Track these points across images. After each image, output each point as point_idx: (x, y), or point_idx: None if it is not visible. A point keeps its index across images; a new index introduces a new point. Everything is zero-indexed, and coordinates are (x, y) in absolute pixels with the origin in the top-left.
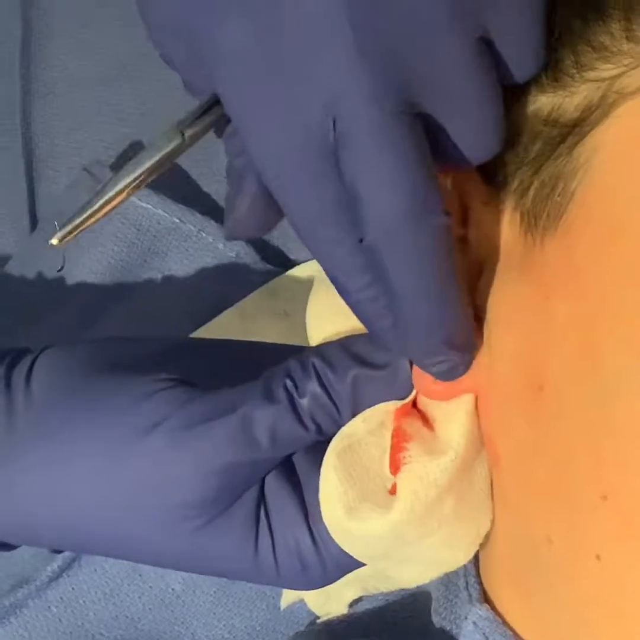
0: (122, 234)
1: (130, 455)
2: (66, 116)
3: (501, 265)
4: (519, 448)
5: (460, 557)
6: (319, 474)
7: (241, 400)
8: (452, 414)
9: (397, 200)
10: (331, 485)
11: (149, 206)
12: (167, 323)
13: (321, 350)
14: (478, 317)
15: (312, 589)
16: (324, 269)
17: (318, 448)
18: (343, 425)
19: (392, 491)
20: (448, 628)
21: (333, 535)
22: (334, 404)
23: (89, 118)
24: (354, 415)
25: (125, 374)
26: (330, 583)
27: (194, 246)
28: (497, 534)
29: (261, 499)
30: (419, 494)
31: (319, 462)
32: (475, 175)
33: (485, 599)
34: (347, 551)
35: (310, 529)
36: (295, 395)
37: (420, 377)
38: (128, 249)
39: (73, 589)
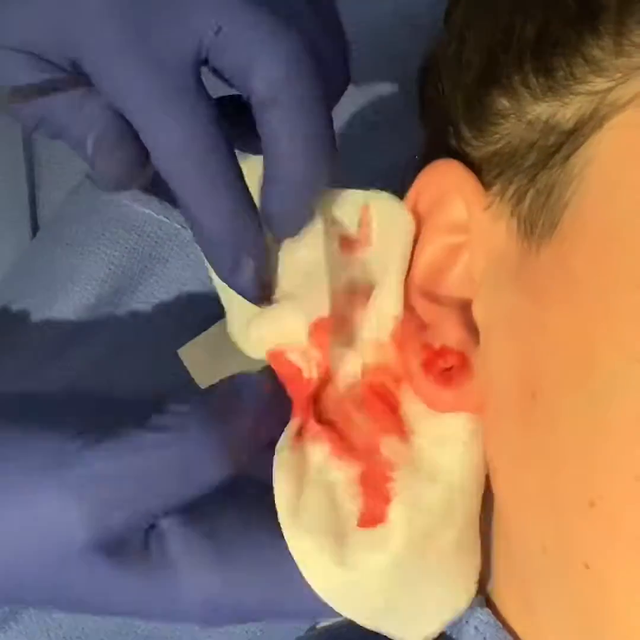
0: (123, 240)
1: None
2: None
3: (498, 273)
4: (513, 458)
5: (462, 600)
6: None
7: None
8: (447, 440)
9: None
10: (305, 551)
11: (151, 212)
12: (166, 329)
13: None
14: (475, 326)
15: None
16: None
17: None
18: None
19: (363, 523)
20: (449, 632)
21: (329, 599)
22: None
23: None
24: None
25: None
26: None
27: (194, 252)
28: (497, 543)
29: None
30: (415, 522)
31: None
32: (474, 182)
33: (487, 604)
34: (346, 613)
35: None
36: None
37: (427, 387)
38: (129, 254)
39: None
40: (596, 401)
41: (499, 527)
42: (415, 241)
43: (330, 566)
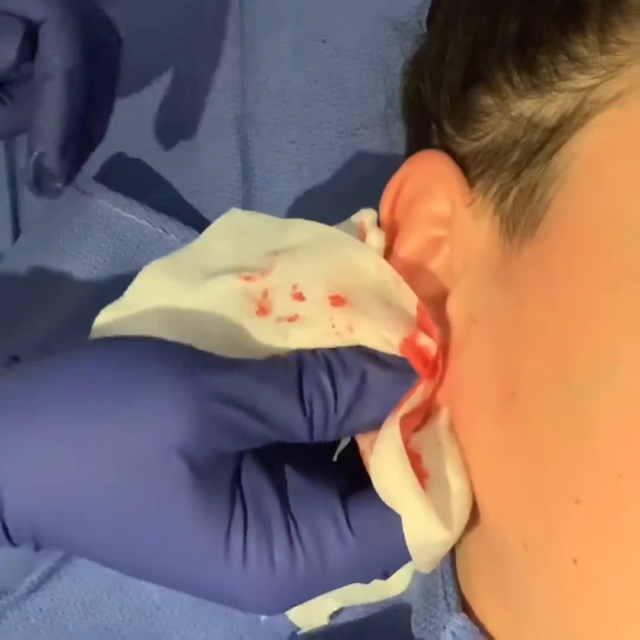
0: (105, 245)
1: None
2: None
3: (479, 270)
4: (491, 454)
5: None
6: (305, 477)
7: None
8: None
9: None
10: (416, 502)
11: (133, 217)
12: None
13: (335, 348)
14: (451, 324)
15: (277, 610)
16: None
17: (293, 453)
18: (334, 422)
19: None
20: (427, 639)
21: (415, 551)
22: (335, 395)
23: None
24: (348, 413)
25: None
26: (293, 602)
27: None
28: (473, 542)
29: (237, 488)
30: None
31: (306, 465)
32: (460, 177)
33: (465, 607)
34: (419, 565)
35: (288, 531)
36: (302, 375)
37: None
38: (111, 259)
39: (52, 600)
40: (576, 400)
41: (473, 521)
42: (394, 229)
43: (433, 522)
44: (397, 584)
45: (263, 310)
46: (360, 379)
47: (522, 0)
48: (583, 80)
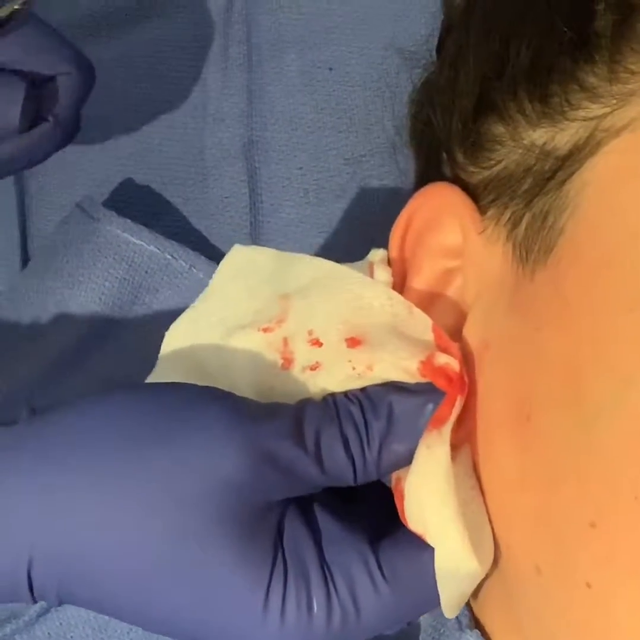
0: (113, 270)
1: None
2: (58, 154)
3: (492, 297)
4: (505, 479)
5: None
6: (338, 526)
7: (293, 408)
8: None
9: None
10: (455, 528)
11: (142, 243)
12: (156, 359)
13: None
14: (468, 352)
15: None
16: None
17: (335, 500)
18: (371, 459)
19: None
20: None
21: (443, 584)
22: (367, 431)
23: (81, 155)
24: (381, 447)
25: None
26: None
27: (184, 283)
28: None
29: (279, 542)
30: None
31: (337, 513)
32: (470, 205)
33: (482, 633)
34: (445, 602)
35: (326, 583)
36: (339, 414)
37: None
38: (119, 285)
39: (61, 624)
40: (590, 423)
41: None
42: (405, 265)
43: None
44: None
45: (288, 361)
46: (388, 411)
47: (533, 29)
48: (595, 109)
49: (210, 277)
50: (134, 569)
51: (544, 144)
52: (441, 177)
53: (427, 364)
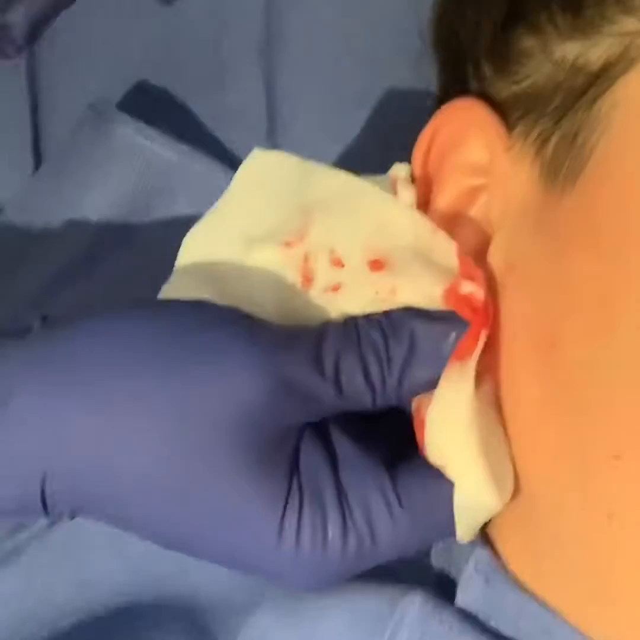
0: (127, 174)
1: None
2: (71, 57)
3: (518, 217)
4: (529, 409)
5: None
6: (354, 451)
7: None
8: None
9: None
10: (476, 462)
11: (155, 146)
12: (170, 267)
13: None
14: (491, 276)
15: (321, 587)
16: None
17: (352, 424)
18: (392, 384)
19: None
20: (447, 571)
21: (460, 515)
22: (388, 357)
23: (94, 57)
24: (402, 373)
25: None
26: (339, 579)
27: (200, 188)
28: None
29: (295, 467)
30: None
31: (353, 438)
32: (497, 122)
33: (495, 553)
34: (460, 531)
35: (341, 509)
36: (360, 337)
37: None
38: (133, 189)
39: (73, 531)
40: (619, 354)
41: None
42: (429, 182)
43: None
44: None
45: (308, 279)
46: (409, 338)
47: None
48: (630, 24)
49: (227, 182)
50: (148, 488)
51: (576, 58)
52: (467, 91)
53: (451, 292)
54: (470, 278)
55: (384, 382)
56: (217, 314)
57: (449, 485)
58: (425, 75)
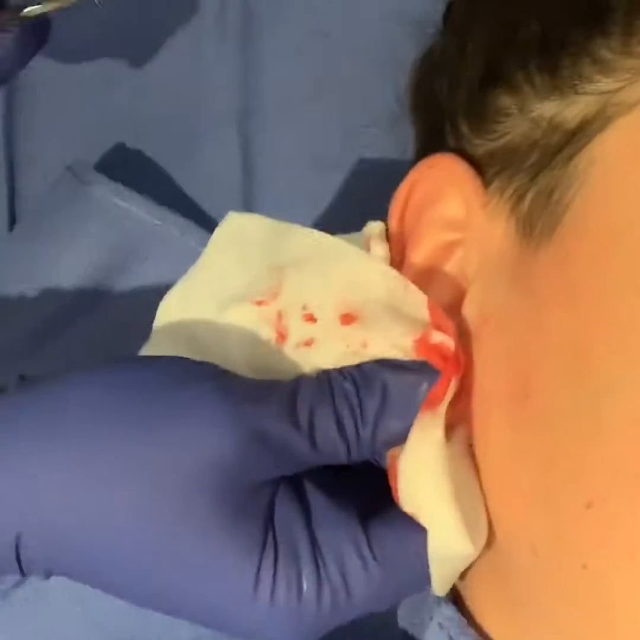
0: (103, 236)
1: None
2: (50, 116)
3: (494, 272)
4: (501, 457)
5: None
6: (328, 505)
7: (287, 386)
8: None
9: None
10: (448, 511)
11: (133, 208)
12: (145, 328)
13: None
14: (466, 327)
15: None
16: None
17: (325, 477)
18: (366, 436)
19: None
20: (411, 632)
21: (435, 565)
22: (361, 409)
23: (72, 118)
24: (376, 425)
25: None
26: (315, 633)
27: (176, 251)
28: None
29: (270, 521)
30: None
31: (327, 491)
32: (474, 178)
33: (461, 606)
34: (436, 582)
35: (316, 563)
36: (333, 391)
37: None
38: (109, 251)
39: (37, 590)
40: (594, 402)
41: None
42: (405, 237)
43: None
44: None
45: (282, 336)
46: (382, 389)
47: (546, 1)
48: (606, 84)
49: (202, 245)
50: (121, 545)
51: (552, 117)
52: (444, 149)
53: (421, 342)
54: (441, 328)
55: (358, 434)
56: (191, 369)
57: (424, 536)
58: (401, 141)
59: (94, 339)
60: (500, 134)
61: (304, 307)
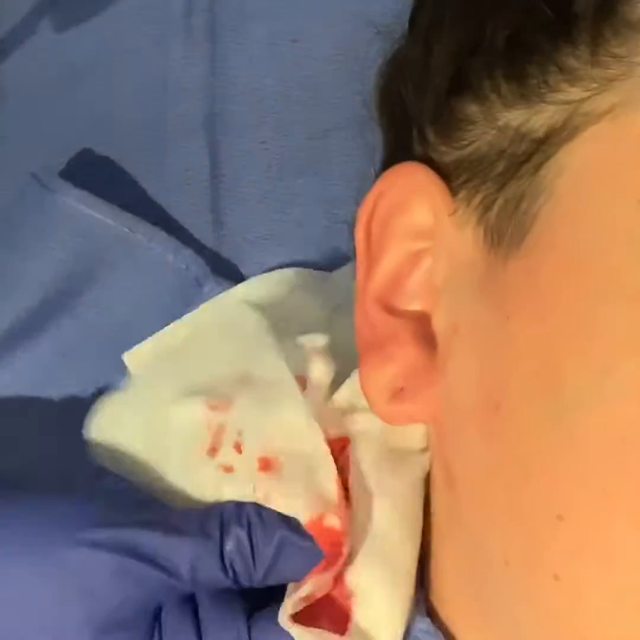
0: (70, 243)
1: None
2: (15, 123)
3: (463, 281)
4: (474, 469)
5: None
6: (220, 620)
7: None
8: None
9: None
10: None
11: (99, 215)
12: (114, 335)
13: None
14: (436, 338)
15: None
16: None
17: (224, 595)
18: (257, 578)
19: None
20: None
21: None
22: (253, 557)
23: (38, 124)
24: (268, 572)
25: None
26: None
27: (142, 257)
28: (448, 556)
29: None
30: None
31: (223, 607)
32: (441, 186)
33: (432, 615)
34: None
35: None
36: (224, 536)
37: (375, 396)
38: (75, 257)
39: None
40: (563, 415)
41: (450, 534)
42: (372, 247)
43: None
44: None
45: (214, 450)
46: (277, 543)
47: (512, 8)
48: (573, 93)
49: (169, 251)
50: None
51: (519, 125)
52: (411, 156)
53: (317, 522)
54: (338, 514)
55: (249, 575)
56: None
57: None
58: (369, 145)
59: (65, 344)
60: (467, 142)
61: (239, 433)
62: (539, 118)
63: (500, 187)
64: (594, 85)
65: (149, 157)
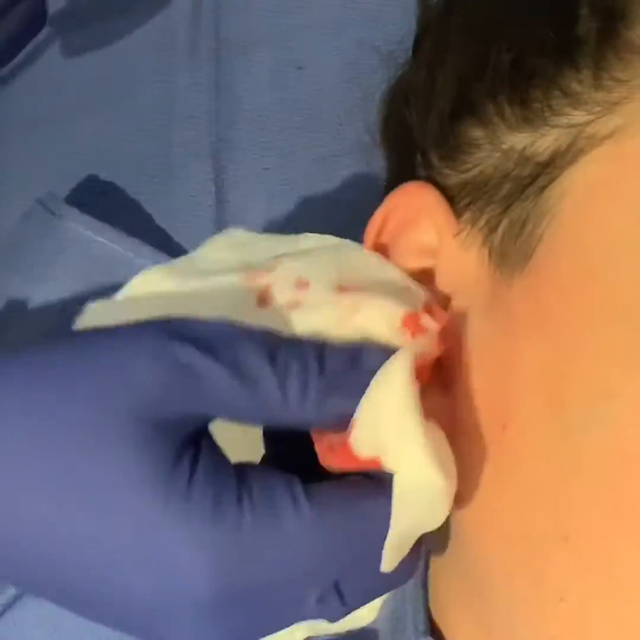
0: (76, 268)
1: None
2: (21, 149)
3: (468, 300)
4: (480, 488)
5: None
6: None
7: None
8: None
9: None
10: (417, 439)
11: (104, 240)
12: None
13: None
14: (440, 358)
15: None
16: None
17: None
18: (313, 396)
19: None
20: None
21: (401, 506)
22: (320, 366)
23: (45, 149)
24: (328, 391)
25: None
26: (234, 574)
27: None
28: (453, 573)
29: (191, 446)
30: None
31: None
32: (446, 208)
33: (435, 634)
34: (400, 533)
35: (239, 490)
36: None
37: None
38: (82, 283)
39: (15, 624)
40: (569, 436)
41: (453, 552)
42: None
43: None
44: (367, 614)
45: (263, 301)
46: (353, 354)
47: (515, 32)
48: (577, 116)
49: None
50: (51, 531)
51: (524, 149)
52: (415, 180)
53: (411, 318)
54: (434, 316)
55: (304, 392)
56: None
57: (370, 502)
58: (374, 170)
59: None
60: (471, 166)
61: (299, 277)
62: (543, 141)
63: (505, 209)
64: (597, 108)
65: (154, 183)
